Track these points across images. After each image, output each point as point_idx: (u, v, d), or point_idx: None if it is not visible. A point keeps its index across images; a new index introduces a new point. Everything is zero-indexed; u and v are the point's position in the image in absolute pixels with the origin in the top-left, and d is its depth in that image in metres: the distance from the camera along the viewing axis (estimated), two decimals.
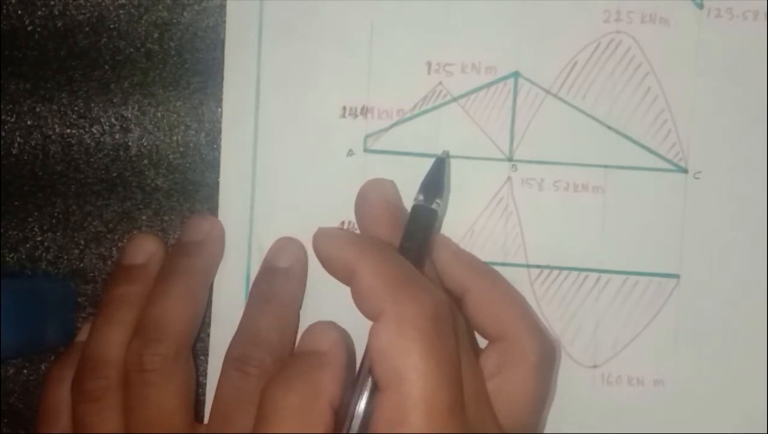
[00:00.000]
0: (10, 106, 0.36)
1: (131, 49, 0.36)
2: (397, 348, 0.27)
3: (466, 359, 0.29)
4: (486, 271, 0.33)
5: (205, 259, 0.34)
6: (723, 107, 0.34)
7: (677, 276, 0.34)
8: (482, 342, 0.32)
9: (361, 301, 0.29)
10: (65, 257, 0.36)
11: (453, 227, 0.34)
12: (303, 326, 0.34)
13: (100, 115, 0.36)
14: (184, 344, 0.33)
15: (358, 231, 0.34)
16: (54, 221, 0.36)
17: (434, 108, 0.34)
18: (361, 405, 0.28)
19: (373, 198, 0.33)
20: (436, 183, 0.32)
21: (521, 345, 0.31)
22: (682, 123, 0.34)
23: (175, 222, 0.36)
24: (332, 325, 0.31)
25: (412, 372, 0.26)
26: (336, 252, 0.30)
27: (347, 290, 0.34)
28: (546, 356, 0.31)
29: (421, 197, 0.32)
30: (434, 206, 0.32)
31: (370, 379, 0.28)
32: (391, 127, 0.35)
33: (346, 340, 0.31)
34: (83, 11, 0.36)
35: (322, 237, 0.31)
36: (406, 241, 0.31)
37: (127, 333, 0.32)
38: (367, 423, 0.28)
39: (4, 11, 0.36)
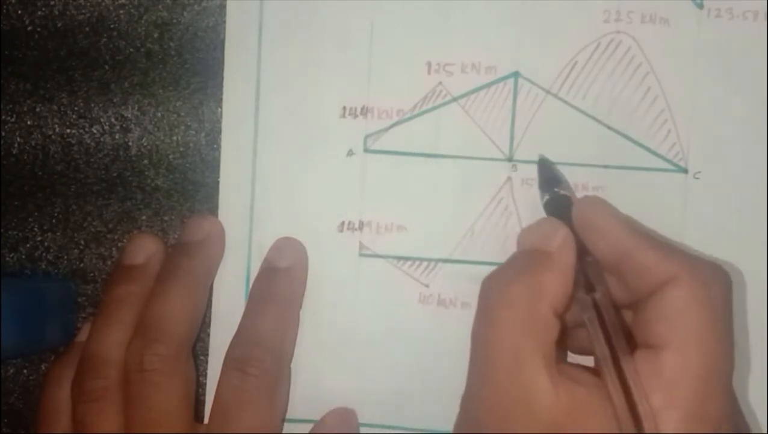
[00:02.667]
0: (10, 106, 0.36)
1: (131, 49, 0.36)
2: (691, 310, 0.26)
3: None
4: None
5: (205, 259, 0.34)
6: (723, 107, 0.34)
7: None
8: None
9: (640, 271, 0.28)
10: (65, 257, 0.36)
11: (453, 227, 0.34)
12: (303, 326, 0.34)
13: (100, 115, 0.36)
14: (184, 344, 0.33)
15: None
16: (54, 221, 0.36)
17: (434, 108, 0.34)
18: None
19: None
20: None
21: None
22: (682, 123, 0.34)
23: (175, 222, 0.36)
24: (560, 223, 0.30)
25: (704, 335, 0.26)
26: (607, 225, 0.29)
27: (347, 290, 0.35)
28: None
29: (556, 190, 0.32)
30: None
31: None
32: (391, 127, 0.35)
33: (573, 241, 0.29)
34: (83, 11, 0.36)
35: (592, 205, 0.30)
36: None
37: (127, 333, 0.32)
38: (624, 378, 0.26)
39: (4, 11, 0.36)
